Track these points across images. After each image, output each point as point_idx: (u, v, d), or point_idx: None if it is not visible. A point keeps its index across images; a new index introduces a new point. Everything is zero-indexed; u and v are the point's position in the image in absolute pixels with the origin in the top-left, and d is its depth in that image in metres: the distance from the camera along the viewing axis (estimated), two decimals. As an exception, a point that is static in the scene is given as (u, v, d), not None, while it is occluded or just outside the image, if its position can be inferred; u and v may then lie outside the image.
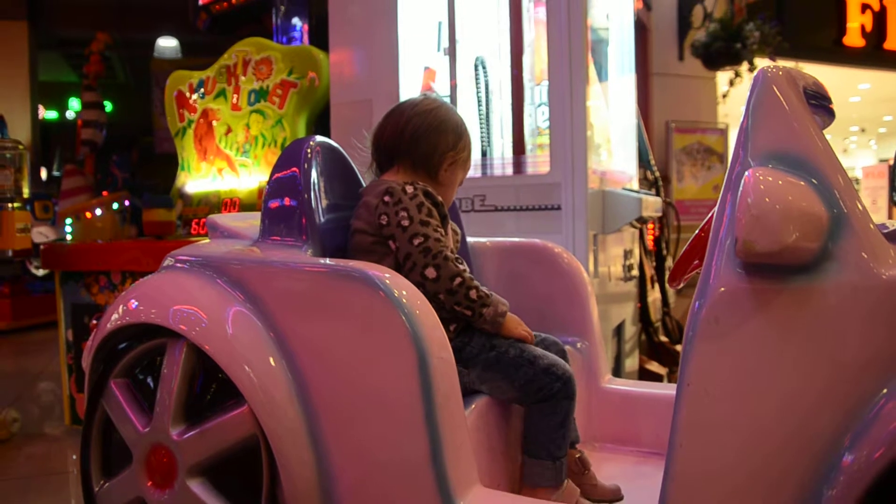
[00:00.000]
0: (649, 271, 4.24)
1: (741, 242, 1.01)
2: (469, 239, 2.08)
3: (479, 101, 3.06)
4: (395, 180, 1.62)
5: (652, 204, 3.44)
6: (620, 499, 1.64)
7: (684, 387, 1.10)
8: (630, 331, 3.67)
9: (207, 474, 1.46)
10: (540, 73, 3.15)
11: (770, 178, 1.02)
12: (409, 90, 3.14)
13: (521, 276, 2.02)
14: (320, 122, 3.66)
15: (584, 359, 1.97)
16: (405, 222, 1.53)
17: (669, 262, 4.82)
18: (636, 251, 3.71)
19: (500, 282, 2.03)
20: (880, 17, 10.46)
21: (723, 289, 1.08)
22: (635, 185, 3.80)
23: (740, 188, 1.03)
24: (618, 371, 3.29)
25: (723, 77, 8.58)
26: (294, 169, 1.65)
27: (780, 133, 1.09)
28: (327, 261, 1.44)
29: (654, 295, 4.20)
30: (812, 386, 1.03)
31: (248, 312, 1.46)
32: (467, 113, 3.09)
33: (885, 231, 1.23)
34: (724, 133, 9.55)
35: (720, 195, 1.14)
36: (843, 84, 12.06)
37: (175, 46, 11.12)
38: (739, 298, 1.07)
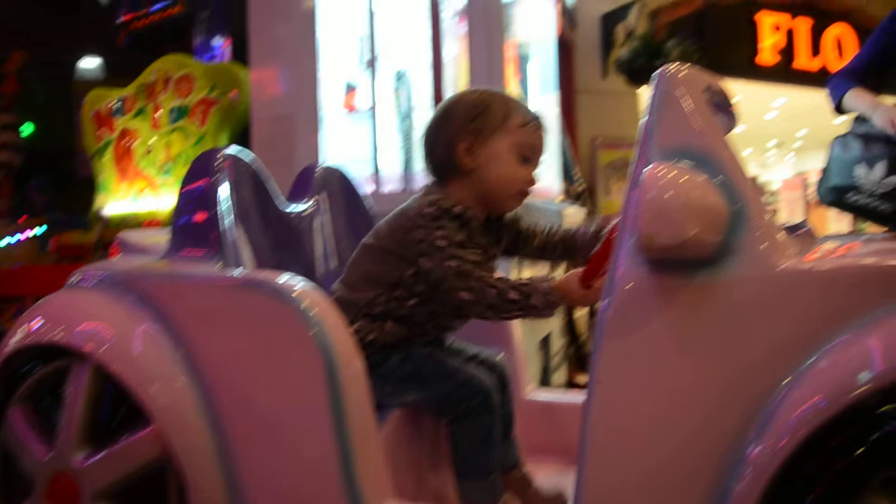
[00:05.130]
0: None
1: (643, 236, 1.02)
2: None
3: (400, 115, 3.06)
4: (430, 199, 1.48)
5: (574, 216, 3.49)
6: (565, 503, 1.62)
7: (594, 385, 1.10)
8: (557, 343, 3.69)
9: (113, 501, 1.39)
10: (462, 88, 3.17)
11: (671, 173, 1.03)
12: (330, 106, 3.12)
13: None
14: (243, 140, 3.61)
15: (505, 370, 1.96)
16: (441, 242, 1.42)
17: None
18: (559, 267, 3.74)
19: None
20: (790, 38, 10.89)
21: (628, 285, 1.09)
22: (558, 199, 3.85)
23: (641, 183, 1.04)
24: (546, 384, 3.30)
25: (646, 93, 8.81)
26: (203, 180, 1.61)
27: (681, 129, 1.11)
28: (235, 272, 1.40)
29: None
30: (717, 380, 1.05)
31: (156, 329, 1.41)
32: (389, 127, 3.09)
33: (800, 230, 1.27)
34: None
35: (625, 192, 1.15)
36: (760, 100, 12.48)
37: (98, 67, 10.85)
38: (644, 294, 1.08)
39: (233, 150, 1.68)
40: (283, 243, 1.75)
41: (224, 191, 1.59)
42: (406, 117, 3.07)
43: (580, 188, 4.68)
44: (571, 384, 3.51)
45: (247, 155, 1.72)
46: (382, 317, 1.51)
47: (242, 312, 1.33)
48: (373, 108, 3.09)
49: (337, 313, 1.31)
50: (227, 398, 1.33)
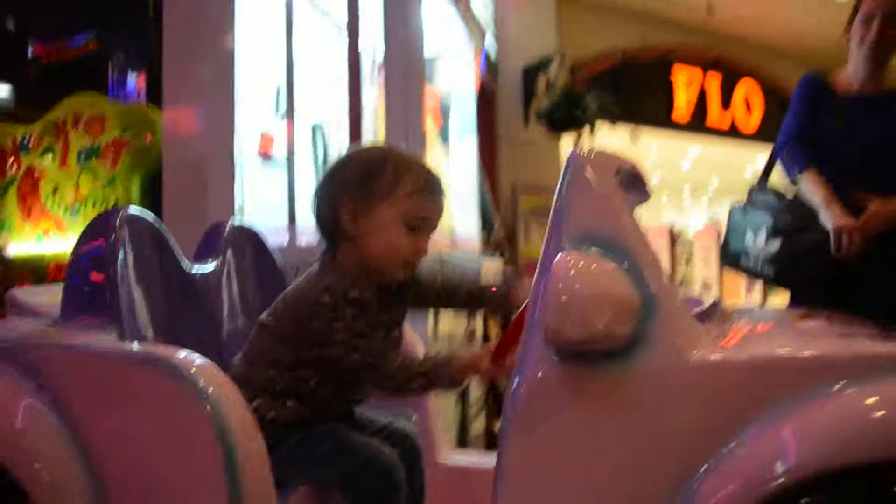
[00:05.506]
0: (494, 332, 4.28)
1: (550, 331, 1.00)
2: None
3: (316, 167, 3.03)
4: (324, 284, 1.41)
5: (492, 269, 3.50)
6: None
7: (502, 478, 1.07)
8: (475, 393, 3.67)
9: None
10: (383, 138, 3.16)
11: (580, 263, 1.02)
12: (245, 154, 3.06)
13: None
14: (156, 184, 3.50)
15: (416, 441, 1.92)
16: (340, 336, 1.37)
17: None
18: (478, 317, 3.73)
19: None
20: (702, 93, 11.39)
21: (537, 374, 1.07)
22: (477, 249, 3.86)
23: (550, 274, 1.03)
24: (464, 435, 3.27)
25: (567, 140, 9.01)
26: (100, 240, 1.53)
27: (592, 215, 1.10)
28: (131, 345, 1.33)
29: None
30: (628, 472, 1.03)
31: (40, 404, 1.31)
32: (305, 180, 3.05)
33: (699, 309, 1.28)
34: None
35: (535, 275, 1.14)
36: (676, 149, 12.96)
37: (7, 97, 10.44)
38: (553, 384, 1.06)
39: (133, 210, 1.61)
40: (187, 307, 1.68)
41: (122, 252, 1.52)
42: (322, 169, 3.04)
43: (499, 237, 4.71)
44: (490, 434, 3.48)
45: (147, 214, 1.65)
46: (284, 394, 1.45)
47: (135, 388, 1.25)
48: (290, 157, 3.05)
49: (235, 392, 1.25)
50: (118, 480, 1.25)
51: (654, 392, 1.04)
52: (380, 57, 3.08)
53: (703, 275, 13.66)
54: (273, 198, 3.04)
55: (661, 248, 12.99)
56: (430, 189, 1.45)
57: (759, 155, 13.26)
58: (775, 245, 2.55)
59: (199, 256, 1.87)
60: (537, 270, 1.12)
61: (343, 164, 1.49)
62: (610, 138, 9.65)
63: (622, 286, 1.03)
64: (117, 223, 1.54)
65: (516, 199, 9.32)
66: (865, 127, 2.59)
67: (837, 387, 1.01)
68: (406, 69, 2.95)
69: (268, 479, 1.25)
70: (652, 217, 15.94)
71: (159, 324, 1.56)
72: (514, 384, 1.09)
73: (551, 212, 1.14)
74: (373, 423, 1.61)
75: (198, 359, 1.26)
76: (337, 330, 1.38)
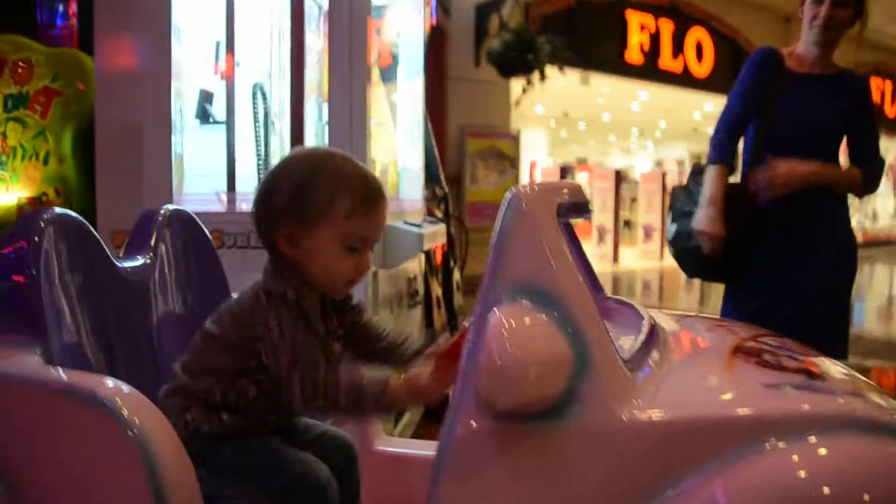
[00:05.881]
0: (436, 291, 4.29)
1: (482, 398, 0.99)
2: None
3: (256, 133, 2.93)
4: (265, 288, 1.39)
5: (437, 234, 3.48)
6: None
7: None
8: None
9: None
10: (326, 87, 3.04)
11: (513, 323, 1.00)
12: (183, 114, 2.94)
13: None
14: (89, 138, 3.34)
15: (353, 424, 1.92)
16: (276, 339, 1.33)
17: (457, 276, 4.91)
18: (419, 277, 3.73)
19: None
20: (655, 39, 11.35)
21: (469, 428, 1.06)
22: (421, 210, 3.82)
23: (484, 334, 1.01)
24: (399, 418, 3.27)
25: (516, 84, 8.92)
26: (21, 243, 1.45)
27: (530, 265, 1.08)
28: (55, 372, 1.27)
29: (441, 318, 4.26)
30: None
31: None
32: (245, 144, 2.95)
33: (637, 340, 1.27)
34: (516, 139, 9.95)
35: (473, 319, 1.12)
36: (626, 92, 13.00)
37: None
38: (484, 439, 1.05)
39: (56, 210, 1.53)
40: (118, 310, 1.61)
41: (47, 259, 1.45)
42: (263, 135, 2.94)
43: (442, 195, 4.68)
44: (426, 414, 3.50)
45: (72, 215, 1.57)
46: (220, 408, 1.43)
47: (59, 419, 1.21)
48: (229, 119, 2.94)
49: (164, 422, 1.22)
50: None
51: (584, 450, 1.04)
52: (325, 2, 2.96)
53: (646, 220, 13.91)
54: (212, 161, 2.94)
55: (606, 189, 13.14)
56: (367, 206, 1.39)
57: (707, 102, 13.44)
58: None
59: (132, 246, 1.80)
60: (475, 314, 1.10)
61: (276, 180, 1.42)
62: (560, 81, 9.62)
63: (556, 346, 1.02)
64: (42, 224, 1.47)
65: (464, 141, 9.28)
66: (812, 106, 2.64)
67: (766, 446, 1.02)
68: (352, 12, 2.85)
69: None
70: (599, 158, 16.07)
71: (90, 333, 1.51)
72: (446, 433, 1.09)
73: (490, 254, 1.11)
74: (310, 431, 1.61)
75: (122, 388, 1.21)
76: (275, 333, 1.34)
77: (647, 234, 13.97)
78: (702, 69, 11.91)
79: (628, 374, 1.09)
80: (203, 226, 1.92)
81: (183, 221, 1.89)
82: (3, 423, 1.25)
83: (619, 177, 13.47)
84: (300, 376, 1.32)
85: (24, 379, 1.27)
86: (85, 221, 1.58)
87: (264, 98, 2.95)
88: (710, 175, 2.65)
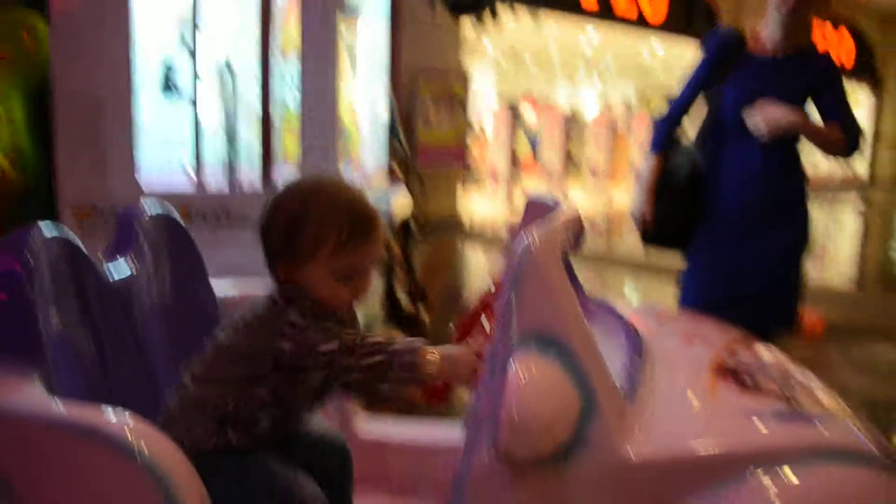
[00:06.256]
0: (396, 250, 4.32)
1: (502, 450, 1.07)
2: (217, 290, 1.97)
3: (225, 111, 2.88)
4: (277, 296, 1.45)
5: (402, 205, 3.50)
6: None
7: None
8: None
9: None
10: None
11: (530, 379, 1.07)
12: (147, 88, 2.88)
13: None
14: (41, 103, 3.24)
15: (335, 409, 1.98)
16: (296, 320, 1.38)
17: (417, 236, 4.95)
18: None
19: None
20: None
21: (484, 469, 1.14)
22: (384, 174, 3.82)
23: (506, 383, 1.07)
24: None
25: (467, 23, 8.81)
26: (12, 263, 1.42)
27: (542, 314, 1.14)
28: (61, 408, 1.25)
29: (401, 281, 4.30)
30: None
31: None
32: (212, 121, 2.91)
33: (620, 382, 1.35)
34: (465, 81, 9.89)
35: (488, 366, 1.18)
36: (580, 35, 12.97)
37: None
38: (496, 479, 1.13)
39: (45, 227, 1.51)
40: (111, 322, 1.61)
41: (40, 280, 1.43)
42: (231, 112, 2.90)
43: (401, 150, 4.68)
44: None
45: (59, 229, 1.55)
46: (228, 423, 1.46)
47: (71, 457, 1.21)
48: (193, 95, 2.89)
49: (184, 462, 1.25)
50: None
51: (589, 488, 1.13)
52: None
53: (593, 160, 14.08)
54: (178, 138, 2.89)
55: (555, 129, 13.22)
56: (355, 241, 1.41)
57: (657, 43, 13.50)
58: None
59: (114, 249, 1.79)
60: (489, 360, 1.16)
61: (272, 216, 1.45)
62: (510, 21, 9.52)
63: (568, 397, 1.10)
64: (34, 242, 1.45)
65: (416, 84, 9.18)
66: (771, 88, 2.68)
67: (747, 475, 1.13)
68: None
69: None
70: (549, 98, 16.05)
71: (86, 353, 1.52)
72: (461, 472, 1.16)
73: (502, 304, 1.16)
74: (307, 437, 1.65)
75: (134, 423, 1.22)
76: (293, 317, 1.38)
77: (594, 173, 14.16)
78: (656, 15, 11.94)
79: (627, 410, 1.18)
80: (185, 228, 1.91)
81: (165, 226, 1.87)
82: (19, 461, 1.25)
83: (568, 118, 13.53)
84: (332, 352, 1.34)
85: (30, 415, 1.25)
86: (76, 238, 1.57)
87: (231, 74, 2.90)
88: (648, 164, 2.81)
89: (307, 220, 1.40)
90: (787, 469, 1.14)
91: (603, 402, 1.14)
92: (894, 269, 8.62)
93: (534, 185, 14.41)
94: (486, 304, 1.68)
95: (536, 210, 1.90)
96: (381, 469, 2.06)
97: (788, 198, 2.73)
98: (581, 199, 14.02)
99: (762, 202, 2.67)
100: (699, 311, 2.60)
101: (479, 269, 8.46)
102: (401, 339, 1.35)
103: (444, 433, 2.07)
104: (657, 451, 1.15)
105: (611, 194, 14.25)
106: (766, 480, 1.13)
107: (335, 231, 1.40)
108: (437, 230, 9.18)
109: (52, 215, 2.81)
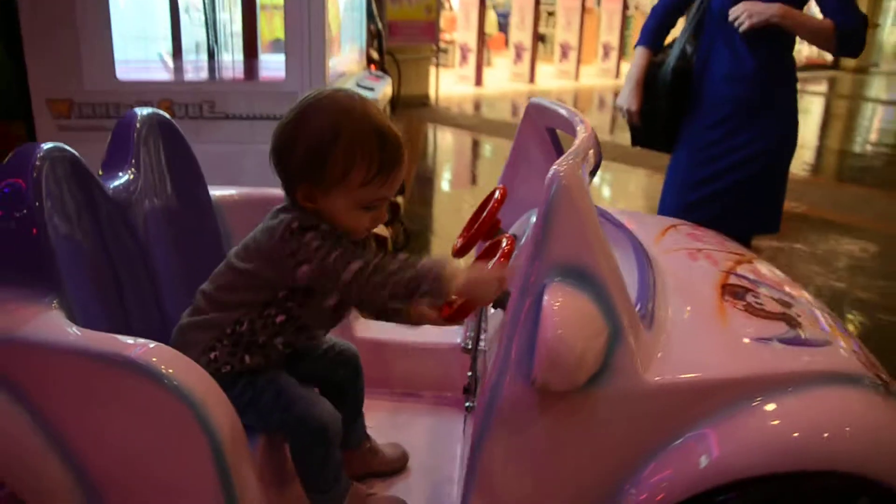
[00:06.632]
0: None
1: (538, 382, 1.12)
2: (212, 192, 1.94)
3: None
4: (292, 216, 1.38)
5: (385, 95, 3.43)
6: (406, 461, 1.80)
7: (474, 474, 1.23)
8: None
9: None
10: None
11: (565, 313, 1.11)
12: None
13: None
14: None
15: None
16: (316, 243, 1.35)
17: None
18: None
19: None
20: None
21: (513, 395, 1.19)
22: (362, 59, 3.72)
23: (541, 318, 1.11)
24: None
25: None
26: (17, 181, 1.37)
27: (573, 246, 1.16)
28: (88, 339, 1.24)
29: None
30: (590, 466, 1.23)
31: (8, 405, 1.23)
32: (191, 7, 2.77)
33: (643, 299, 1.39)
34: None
35: (517, 297, 1.20)
36: None
37: None
38: (525, 402, 1.19)
39: (48, 145, 1.45)
40: (117, 236, 1.59)
41: (47, 199, 1.39)
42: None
43: (376, 31, 4.56)
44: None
45: (63, 148, 1.49)
46: (244, 346, 1.48)
47: (102, 387, 1.23)
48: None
49: (213, 384, 1.28)
50: (105, 479, 1.26)
51: (613, 412, 1.20)
52: None
53: (563, 38, 13.74)
54: (151, 24, 2.76)
55: (525, 6, 12.77)
56: (384, 174, 1.37)
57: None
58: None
59: (110, 162, 1.74)
60: (518, 293, 1.19)
61: (291, 136, 1.37)
62: None
63: (599, 328, 1.14)
64: (39, 162, 1.40)
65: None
66: None
67: (754, 401, 1.22)
68: None
69: (252, 465, 1.32)
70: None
71: (98, 275, 1.50)
72: (488, 398, 1.21)
73: (533, 235, 1.19)
74: (320, 351, 1.69)
75: (165, 352, 1.23)
76: (312, 246, 1.34)
77: (564, 53, 13.87)
78: None
79: (647, 336, 1.24)
80: (180, 131, 1.87)
81: (158, 127, 1.82)
82: (49, 388, 1.25)
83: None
84: (358, 271, 1.31)
85: (60, 345, 1.24)
86: (76, 154, 1.52)
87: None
88: (636, 56, 2.82)
89: (337, 146, 1.34)
90: (788, 393, 1.23)
91: (627, 330, 1.18)
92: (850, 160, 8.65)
93: (503, 64, 14.12)
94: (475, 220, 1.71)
95: (537, 113, 1.89)
96: (379, 370, 2.13)
97: (773, 94, 2.66)
98: (549, 78, 13.80)
99: (746, 97, 2.63)
100: (682, 209, 2.65)
101: (449, 151, 8.39)
102: (426, 259, 1.32)
103: (438, 335, 2.14)
104: (675, 377, 1.21)
105: (580, 74, 14.06)
106: (773, 405, 1.21)
107: (365, 163, 1.35)
108: (408, 111, 9.04)
109: (27, 112, 2.70)
